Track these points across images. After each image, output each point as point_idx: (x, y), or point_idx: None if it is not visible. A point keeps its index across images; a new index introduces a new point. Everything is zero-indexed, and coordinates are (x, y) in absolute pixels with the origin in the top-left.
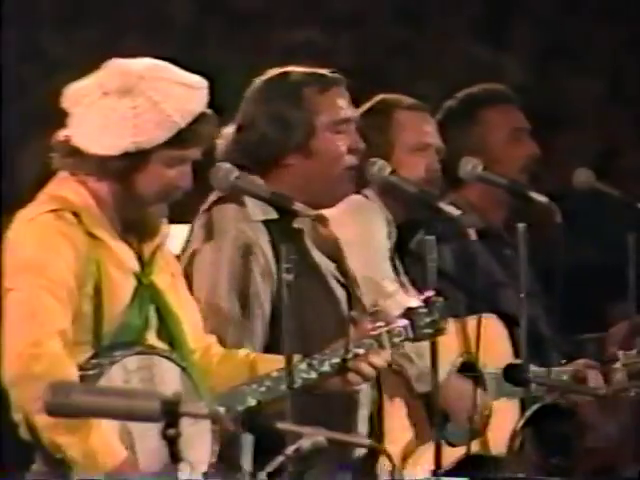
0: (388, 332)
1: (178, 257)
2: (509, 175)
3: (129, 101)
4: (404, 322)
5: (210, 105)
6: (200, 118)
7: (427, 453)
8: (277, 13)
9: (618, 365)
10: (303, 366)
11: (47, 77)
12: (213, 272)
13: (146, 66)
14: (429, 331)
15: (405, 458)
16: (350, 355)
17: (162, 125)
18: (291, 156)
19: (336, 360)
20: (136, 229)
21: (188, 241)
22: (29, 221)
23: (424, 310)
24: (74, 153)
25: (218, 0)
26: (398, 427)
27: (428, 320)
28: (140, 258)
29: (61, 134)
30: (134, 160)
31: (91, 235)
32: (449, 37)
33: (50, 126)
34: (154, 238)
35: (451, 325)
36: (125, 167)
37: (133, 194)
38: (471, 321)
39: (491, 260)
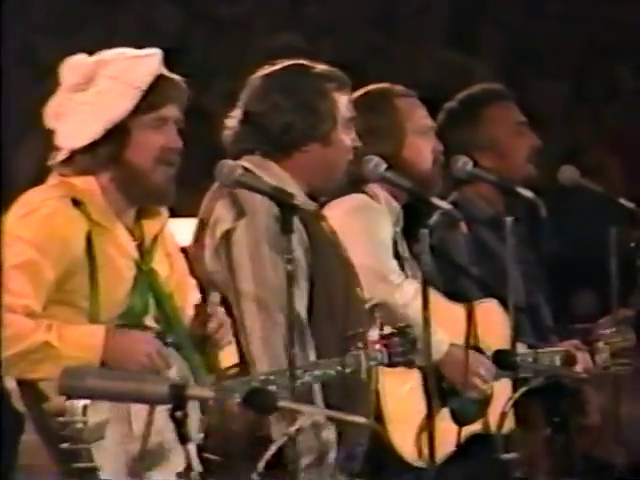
0: (366, 355)
1: (186, 249)
2: (517, 167)
3: (93, 88)
4: (379, 347)
5: (195, 108)
6: (161, 80)
7: (441, 426)
8: (259, 19)
9: (600, 344)
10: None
11: (41, 80)
12: (252, 246)
13: (97, 57)
14: (400, 360)
15: (421, 431)
16: (342, 370)
17: (126, 95)
18: (313, 144)
19: (331, 372)
20: (140, 210)
21: (200, 229)
22: (21, 218)
23: (398, 339)
24: (67, 162)
25: (203, 7)
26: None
27: (400, 350)
28: (141, 247)
29: (55, 151)
30: (117, 136)
31: (94, 221)
32: (420, 41)
33: (45, 128)
34: (156, 219)
35: (460, 310)
36: (113, 146)
37: (131, 170)
38: (478, 306)
39: (501, 247)
